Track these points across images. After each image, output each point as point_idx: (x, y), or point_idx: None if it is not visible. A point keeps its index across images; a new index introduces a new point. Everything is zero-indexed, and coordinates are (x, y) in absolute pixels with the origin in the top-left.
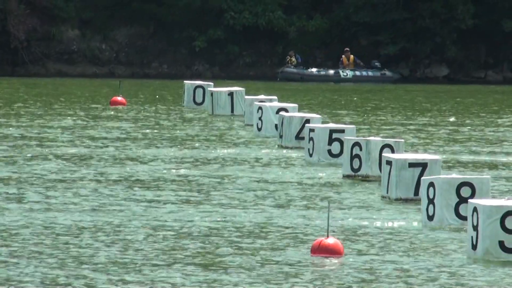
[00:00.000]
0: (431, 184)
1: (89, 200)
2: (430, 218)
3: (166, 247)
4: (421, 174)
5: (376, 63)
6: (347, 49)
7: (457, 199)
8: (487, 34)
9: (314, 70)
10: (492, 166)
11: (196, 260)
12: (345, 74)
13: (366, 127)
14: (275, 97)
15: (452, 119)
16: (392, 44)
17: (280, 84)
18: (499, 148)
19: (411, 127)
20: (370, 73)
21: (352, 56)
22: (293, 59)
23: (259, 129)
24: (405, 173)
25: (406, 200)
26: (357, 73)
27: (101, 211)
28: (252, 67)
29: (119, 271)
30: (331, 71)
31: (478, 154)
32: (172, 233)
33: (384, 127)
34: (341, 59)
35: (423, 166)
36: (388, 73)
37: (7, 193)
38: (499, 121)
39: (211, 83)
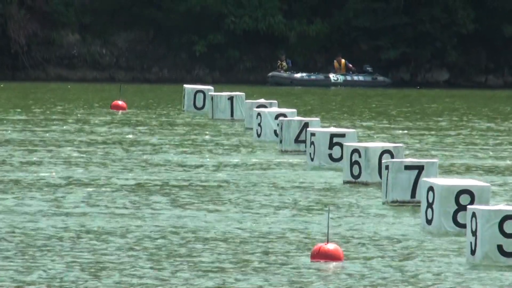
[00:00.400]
0: (431, 188)
1: (99, 205)
2: (429, 222)
3: (175, 251)
4: (418, 177)
5: (368, 68)
6: (339, 53)
7: (456, 207)
8: (488, 38)
9: (304, 74)
10: (503, 170)
11: (201, 264)
12: (335, 78)
13: (371, 132)
14: (275, 101)
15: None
16: (392, 49)
17: (282, 89)
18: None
19: (416, 131)
20: (361, 78)
21: (343, 61)
22: (284, 63)
23: (259, 135)
24: (401, 175)
25: (402, 203)
26: (348, 77)
27: (112, 215)
28: (253, 72)
29: (130, 275)
30: (321, 76)
31: (486, 159)
32: (179, 237)
33: (387, 132)
34: (333, 63)
35: (419, 168)
36: (379, 78)
37: (16, 197)
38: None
39: (212, 87)
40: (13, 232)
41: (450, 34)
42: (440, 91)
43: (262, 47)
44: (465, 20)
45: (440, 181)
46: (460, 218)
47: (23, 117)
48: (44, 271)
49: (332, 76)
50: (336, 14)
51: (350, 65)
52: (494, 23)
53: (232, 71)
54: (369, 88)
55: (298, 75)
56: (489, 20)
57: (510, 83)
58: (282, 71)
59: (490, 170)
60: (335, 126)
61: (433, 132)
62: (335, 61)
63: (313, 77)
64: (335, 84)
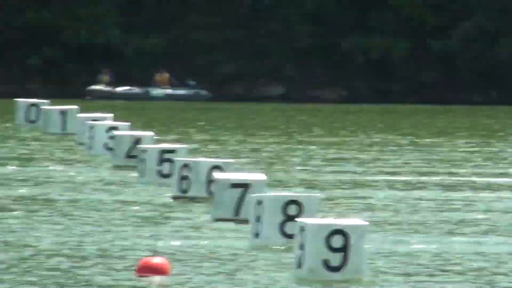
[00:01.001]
0: (259, 202)
1: None
2: (256, 235)
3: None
4: (244, 194)
5: (191, 82)
6: (162, 67)
7: (284, 217)
8: (324, 53)
9: (122, 88)
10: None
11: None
12: (155, 92)
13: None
14: (111, 115)
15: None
16: (229, 63)
17: (120, 102)
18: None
19: (251, 146)
20: (183, 92)
21: (167, 75)
22: (105, 77)
23: (90, 148)
24: (226, 193)
25: (228, 221)
26: (169, 91)
27: None
28: (89, 86)
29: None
30: (141, 90)
31: (338, 173)
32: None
33: (226, 148)
34: (155, 77)
35: (245, 186)
36: (202, 91)
37: None
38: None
39: (46, 101)
40: None
41: (287, 48)
42: (272, 105)
43: (98, 62)
44: (302, 35)
45: (269, 194)
46: (287, 228)
47: None
48: None
49: (152, 90)
50: (173, 29)
51: (173, 79)
52: (331, 38)
53: (68, 85)
54: (191, 101)
55: (118, 89)
56: (326, 35)
57: (344, 97)
58: (103, 85)
59: (315, 185)
60: (168, 142)
61: (266, 148)
62: (157, 74)
63: (133, 91)
64: (156, 97)
